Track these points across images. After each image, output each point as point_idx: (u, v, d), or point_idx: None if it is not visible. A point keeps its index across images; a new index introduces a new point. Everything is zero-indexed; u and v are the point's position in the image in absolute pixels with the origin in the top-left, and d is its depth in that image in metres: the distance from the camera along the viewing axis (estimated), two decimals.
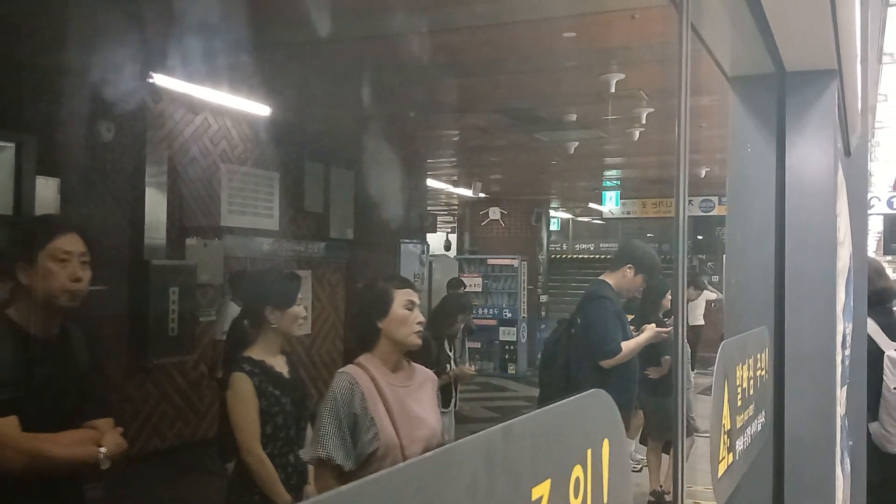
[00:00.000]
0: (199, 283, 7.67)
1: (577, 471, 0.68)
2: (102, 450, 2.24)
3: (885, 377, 3.67)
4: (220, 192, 8.22)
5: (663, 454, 6.13)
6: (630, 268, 4.35)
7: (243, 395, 2.99)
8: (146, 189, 7.08)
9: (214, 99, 6.86)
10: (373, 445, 2.41)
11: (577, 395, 0.71)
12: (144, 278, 6.99)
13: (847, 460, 2.83)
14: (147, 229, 7.09)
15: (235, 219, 8.42)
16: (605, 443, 0.75)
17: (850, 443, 3.02)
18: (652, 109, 7.33)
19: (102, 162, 6.77)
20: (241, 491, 3.03)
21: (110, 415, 2.38)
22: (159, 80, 6.13)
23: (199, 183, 7.97)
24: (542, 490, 0.61)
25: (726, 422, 1.47)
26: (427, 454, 0.49)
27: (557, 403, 0.67)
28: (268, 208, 8.97)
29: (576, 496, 0.67)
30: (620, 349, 4.14)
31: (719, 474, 1.40)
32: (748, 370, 1.73)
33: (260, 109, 7.19)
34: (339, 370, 2.56)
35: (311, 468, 3.25)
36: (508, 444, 0.57)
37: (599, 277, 4.49)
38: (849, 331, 2.90)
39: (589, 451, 0.71)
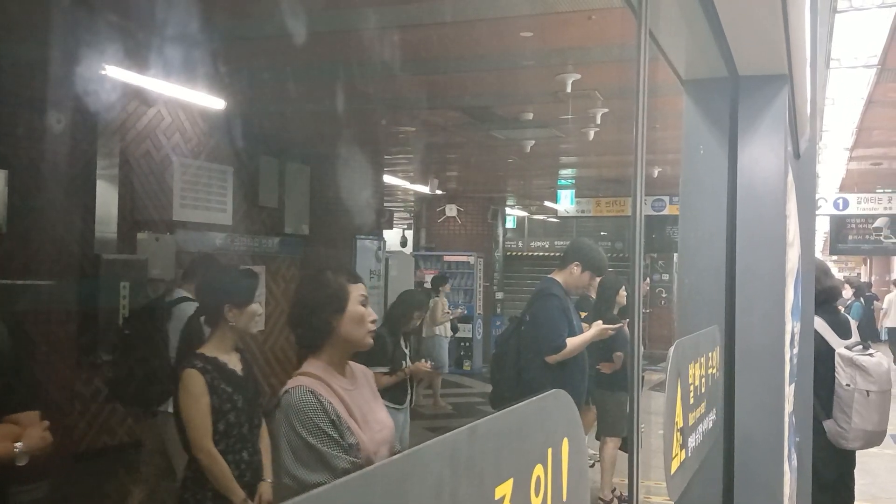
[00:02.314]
0: (150, 277, 7.56)
1: (539, 470, 0.69)
2: (18, 445, 2.11)
3: (837, 374, 3.74)
4: (172, 186, 8.11)
5: (620, 451, 6.18)
6: (577, 265, 4.41)
7: (195, 393, 2.96)
8: (97, 182, 6.95)
9: (168, 91, 6.76)
10: (354, 456, 2.16)
11: (539, 396, 0.72)
12: (94, 273, 6.86)
13: (794, 456, 2.90)
14: (98, 223, 6.96)
15: (188, 213, 8.31)
16: (565, 442, 0.76)
17: (797, 439, 3.09)
18: (607, 110, 7.42)
19: (52, 154, 6.62)
20: (194, 488, 3.00)
21: (36, 408, 2.24)
22: (112, 71, 6.02)
23: (152, 176, 7.85)
24: (504, 489, 0.62)
25: (679, 419, 1.50)
26: (394, 457, 0.49)
27: (520, 404, 0.68)
28: (221, 203, 8.86)
29: (537, 494, 0.68)
30: (565, 345, 4.20)
31: (672, 471, 1.42)
32: (700, 368, 1.77)
33: (215, 103, 7.10)
34: (293, 386, 2.20)
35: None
36: (473, 445, 0.58)
37: (548, 275, 4.55)
38: (797, 330, 2.96)
39: (549, 451, 0.72)
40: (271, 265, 9.69)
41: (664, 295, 17.39)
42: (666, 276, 17.53)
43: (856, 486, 4.16)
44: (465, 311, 13.27)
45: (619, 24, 5.20)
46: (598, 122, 7.64)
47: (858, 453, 4.05)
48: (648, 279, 15.41)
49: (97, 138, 6.98)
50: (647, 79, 1.40)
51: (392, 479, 0.48)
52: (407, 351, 5.47)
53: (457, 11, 5.33)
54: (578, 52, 6.05)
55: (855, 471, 4.15)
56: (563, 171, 13.53)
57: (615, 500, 6.03)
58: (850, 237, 14.27)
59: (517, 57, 6.25)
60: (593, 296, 6.20)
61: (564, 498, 0.75)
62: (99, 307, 6.88)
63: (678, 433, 1.48)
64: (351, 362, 2.44)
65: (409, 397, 5.45)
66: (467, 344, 13.84)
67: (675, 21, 1.95)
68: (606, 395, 6.09)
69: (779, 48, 2.12)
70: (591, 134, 8.23)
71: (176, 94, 6.81)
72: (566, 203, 14.77)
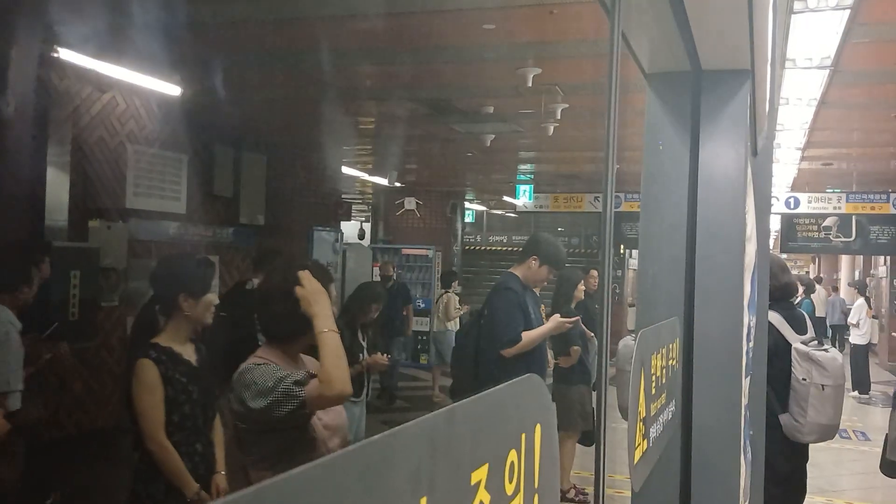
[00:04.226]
0: (102, 266, 7.41)
1: (513, 455, 0.68)
2: None
3: (793, 369, 3.80)
4: (126, 174, 7.96)
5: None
6: (535, 259, 4.44)
7: (148, 383, 2.91)
8: (47, 168, 6.78)
9: (123, 77, 6.61)
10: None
11: (513, 380, 0.70)
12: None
13: (749, 449, 2.94)
14: (48, 210, 6.80)
15: (141, 201, 8.17)
16: (538, 427, 0.75)
17: (751, 433, 3.13)
18: (567, 105, 7.44)
19: (0, 139, 6.45)
20: (147, 480, 2.95)
21: None
22: (65, 55, 5.86)
23: (105, 163, 7.69)
24: (480, 475, 0.61)
25: (642, 409, 1.50)
26: (373, 438, 0.47)
27: (495, 388, 0.66)
28: (175, 191, 8.73)
29: (510, 480, 0.67)
30: (520, 338, 4.22)
31: (635, 461, 1.42)
32: (661, 359, 1.77)
33: (170, 90, 6.97)
34: (253, 364, 2.29)
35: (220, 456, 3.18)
36: (451, 428, 0.56)
37: (508, 270, 4.58)
38: (752, 323, 3.00)
39: (523, 436, 0.70)
40: (225, 256, 9.58)
41: (617, 290, 17.58)
42: (619, 272, 17.72)
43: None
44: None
45: (581, 19, 5.21)
46: (559, 117, 7.66)
47: (808, 447, 4.13)
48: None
49: (48, 124, 6.82)
50: (618, 76, 1.40)
51: (370, 461, 0.47)
52: (364, 343, 5.44)
53: (419, 2, 5.30)
54: (540, 47, 6.06)
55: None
56: (523, 167, 13.57)
57: (573, 490, 6.08)
58: (800, 235, 14.55)
59: (478, 49, 6.24)
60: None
61: (536, 485, 0.74)
62: (49, 296, 6.72)
63: (641, 423, 1.48)
64: (301, 354, 2.51)
65: (365, 390, 5.42)
66: (424, 338, 13.81)
67: (641, 14, 1.95)
68: (563, 388, 6.13)
69: (742, 43, 2.13)
70: (551, 129, 8.25)
71: (131, 80, 6.66)
72: (525, 198, 14.82)
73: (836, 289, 21.09)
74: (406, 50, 6.29)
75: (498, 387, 0.66)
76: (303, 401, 2.14)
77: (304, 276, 2.27)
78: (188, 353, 3.08)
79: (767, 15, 2.09)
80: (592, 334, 6.23)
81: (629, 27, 2.02)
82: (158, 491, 2.94)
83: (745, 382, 2.66)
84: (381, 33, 5.85)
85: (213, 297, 3.10)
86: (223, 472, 3.16)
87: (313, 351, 2.47)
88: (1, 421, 2.19)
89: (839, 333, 17.36)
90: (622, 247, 16.90)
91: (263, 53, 6.44)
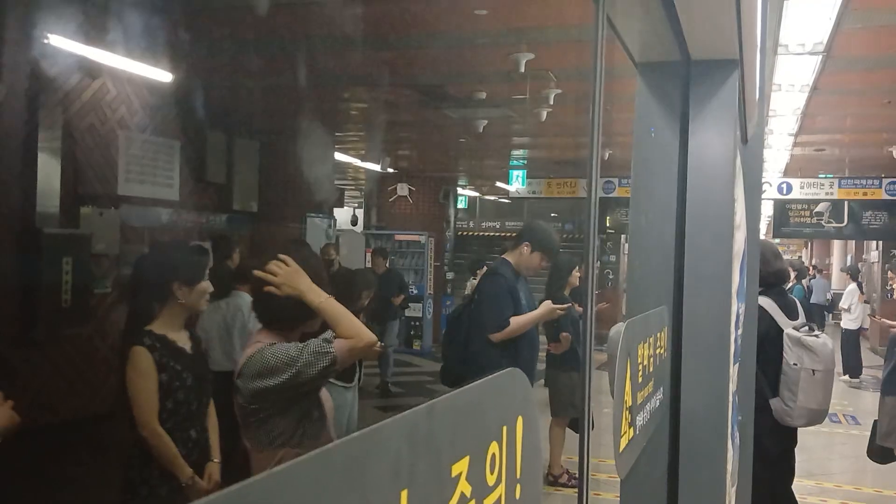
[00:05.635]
0: (93, 253, 7.41)
1: (494, 447, 0.69)
2: None
3: (784, 354, 3.84)
4: (117, 160, 7.93)
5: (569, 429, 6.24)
6: (527, 245, 4.47)
7: (142, 370, 2.92)
8: (39, 154, 6.76)
9: (114, 63, 6.58)
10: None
11: (494, 374, 0.72)
12: (36, 247, 6.69)
13: (737, 434, 2.96)
14: (39, 196, 6.78)
15: (133, 188, 8.14)
16: (520, 420, 0.76)
17: (739, 418, 3.16)
18: (560, 91, 7.44)
19: None
20: (140, 466, 2.97)
21: None
22: (55, 41, 5.83)
23: (96, 150, 7.67)
24: (461, 467, 0.62)
25: (628, 398, 1.52)
26: (354, 434, 0.49)
27: (476, 382, 0.68)
28: (167, 178, 8.70)
29: (492, 472, 0.69)
30: (508, 323, 4.25)
31: (621, 448, 1.45)
32: (649, 348, 1.79)
33: (162, 76, 6.94)
34: (255, 350, 2.30)
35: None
36: (432, 423, 0.58)
37: (502, 256, 4.61)
38: (741, 311, 3.02)
39: (504, 429, 0.72)
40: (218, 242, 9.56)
41: (611, 276, 17.63)
42: (613, 258, 17.76)
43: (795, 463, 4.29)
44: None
45: (573, 4, 5.21)
46: (551, 102, 7.66)
47: (798, 431, 4.17)
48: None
49: (39, 110, 6.78)
50: (604, 62, 1.41)
51: (352, 457, 0.48)
52: None
53: None
54: (532, 32, 6.05)
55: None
56: (515, 152, 13.56)
57: (565, 475, 6.11)
58: (793, 221, 14.60)
59: (471, 35, 6.23)
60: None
61: (518, 475, 0.76)
62: (41, 283, 6.72)
63: (627, 412, 1.50)
64: None
65: (357, 376, 5.44)
66: (417, 323, 13.86)
67: (631, 4, 1.95)
68: (554, 374, 6.17)
69: (731, 33, 2.14)
70: (544, 115, 8.24)
71: (122, 65, 6.63)
72: (518, 184, 14.83)
73: (820, 271, 21.34)
74: (398, 35, 6.28)
75: (478, 381, 0.68)
76: (334, 357, 2.20)
77: (274, 266, 2.32)
78: (182, 340, 3.10)
79: (756, 4, 2.10)
80: None
81: (617, 16, 2.02)
82: (152, 477, 2.96)
83: (734, 370, 2.68)
84: (373, 19, 5.84)
85: (206, 285, 3.10)
86: (217, 460, 3.18)
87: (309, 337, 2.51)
88: (10, 412, 2.20)
89: (824, 313, 17.56)
90: (608, 230, 16.93)
91: (255, 39, 6.42)
